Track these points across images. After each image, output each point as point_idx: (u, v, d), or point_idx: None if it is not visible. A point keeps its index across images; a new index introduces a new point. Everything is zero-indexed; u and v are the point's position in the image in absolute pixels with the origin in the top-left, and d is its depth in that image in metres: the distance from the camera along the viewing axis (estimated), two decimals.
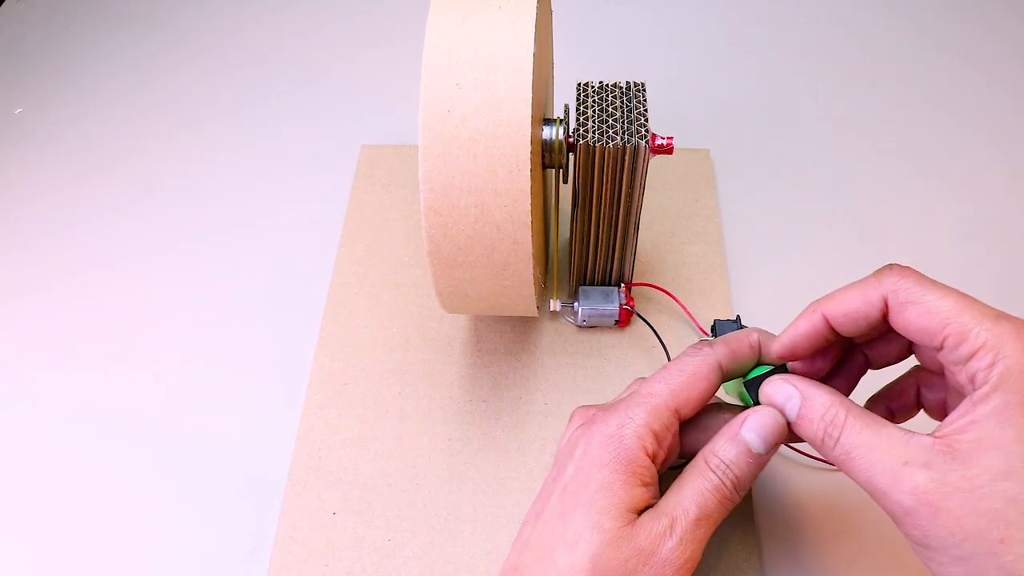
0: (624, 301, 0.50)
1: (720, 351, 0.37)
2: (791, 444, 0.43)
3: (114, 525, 0.44)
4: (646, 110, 0.43)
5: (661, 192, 0.57)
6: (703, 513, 0.33)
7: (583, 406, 0.39)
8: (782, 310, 0.51)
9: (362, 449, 0.46)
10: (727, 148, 0.61)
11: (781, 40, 0.70)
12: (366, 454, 0.46)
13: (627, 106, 0.43)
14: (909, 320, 0.30)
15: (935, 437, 0.29)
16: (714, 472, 0.34)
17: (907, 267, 0.32)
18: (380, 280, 0.53)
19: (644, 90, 0.44)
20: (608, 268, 0.50)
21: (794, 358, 0.36)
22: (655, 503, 0.34)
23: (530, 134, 0.36)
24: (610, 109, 0.43)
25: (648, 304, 0.51)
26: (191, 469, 0.46)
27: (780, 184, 0.60)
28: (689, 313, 0.50)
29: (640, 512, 0.34)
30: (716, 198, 0.58)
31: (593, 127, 0.42)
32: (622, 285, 0.50)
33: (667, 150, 0.42)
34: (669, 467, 0.38)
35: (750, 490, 0.44)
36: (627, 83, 0.45)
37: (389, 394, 0.48)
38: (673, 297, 0.51)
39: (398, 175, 0.59)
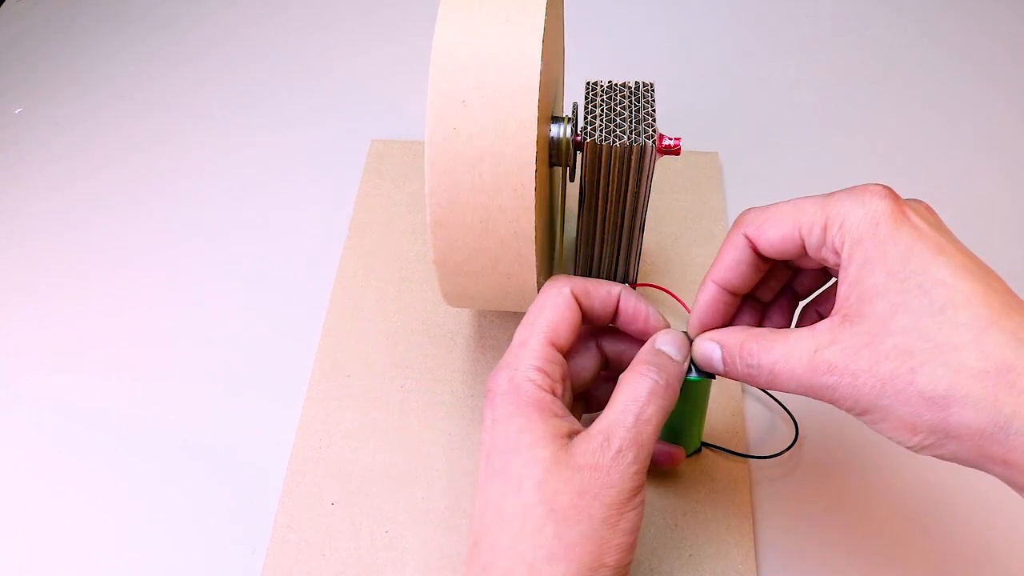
0: None
1: (575, 283, 0.38)
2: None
3: (115, 517, 0.45)
4: (654, 110, 0.43)
5: (668, 194, 0.57)
6: (640, 417, 0.34)
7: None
8: None
9: (363, 441, 0.46)
10: (736, 152, 0.61)
11: (792, 45, 0.70)
12: (367, 446, 0.46)
13: (635, 106, 0.43)
14: (770, 237, 0.33)
15: (832, 317, 0.31)
16: (644, 375, 0.35)
17: (749, 208, 0.35)
18: (385, 274, 0.54)
19: (653, 90, 0.44)
20: (613, 268, 0.50)
21: (710, 328, 0.37)
22: (578, 429, 0.35)
23: (535, 153, 0.36)
24: (618, 108, 0.43)
25: (652, 305, 0.51)
26: (192, 458, 0.46)
27: (788, 189, 0.59)
28: None
29: (570, 433, 0.34)
30: (724, 201, 0.58)
31: (601, 126, 0.42)
32: (627, 285, 0.50)
33: (674, 151, 0.43)
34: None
35: (749, 492, 0.44)
36: (636, 83, 0.45)
37: (391, 387, 0.48)
38: (677, 299, 0.51)
39: (407, 170, 0.60)
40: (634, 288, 0.50)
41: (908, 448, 0.29)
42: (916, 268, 0.29)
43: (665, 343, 0.37)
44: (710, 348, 0.35)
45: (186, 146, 0.63)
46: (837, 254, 0.31)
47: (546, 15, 0.38)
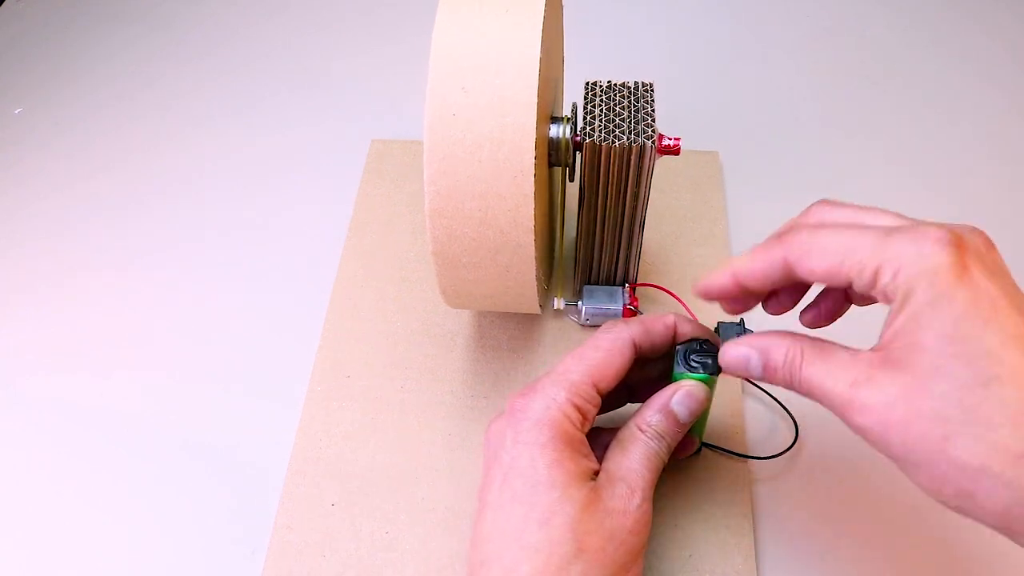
0: (628, 301, 0.50)
1: (634, 328, 0.39)
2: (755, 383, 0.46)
3: (115, 517, 0.45)
4: (653, 110, 0.43)
5: (669, 193, 0.57)
6: (650, 475, 0.36)
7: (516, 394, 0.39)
8: (787, 314, 0.51)
9: (363, 442, 0.46)
10: (737, 151, 0.61)
11: (792, 45, 0.70)
12: (367, 447, 0.46)
13: (634, 106, 0.43)
14: (812, 269, 0.31)
15: (875, 351, 0.30)
16: (651, 440, 0.37)
17: (804, 224, 0.32)
18: (385, 274, 0.54)
19: (652, 90, 0.44)
20: (613, 267, 0.50)
21: (708, 299, 0.36)
22: (598, 468, 0.36)
23: (535, 139, 0.36)
24: (617, 109, 0.43)
25: (652, 305, 0.51)
26: (192, 458, 0.46)
27: (789, 189, 0.59)
28: (693, 315, 0.50)
29: (593, 479, 0.36)
30: (724, 201, 0.58)
31: (600, 126, 0.42)
32: (627, 285, 0.50)
33: (674, 151, 0.42)
34: None
35: (749, 492, 0.44)
36: (635, 83, 0.45)
37: (391, 388, 0.48)
38: (677, 299, 0.51)
39: (407, 170, 0.60)
40: (634, 288, 0.50)
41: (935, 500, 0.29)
42: (966, 334, 0.27)
43: (679, 402, 0.37)
44: (745, 354, 0.34)
45: (186, 146, 0.63)
46: (887, 298, 0.30)
47: (545, 9, 0.38)
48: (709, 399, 0.39)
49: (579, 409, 0.36)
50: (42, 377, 0.50)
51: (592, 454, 0.37)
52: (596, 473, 0.36)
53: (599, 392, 0.37)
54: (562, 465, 0.34)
